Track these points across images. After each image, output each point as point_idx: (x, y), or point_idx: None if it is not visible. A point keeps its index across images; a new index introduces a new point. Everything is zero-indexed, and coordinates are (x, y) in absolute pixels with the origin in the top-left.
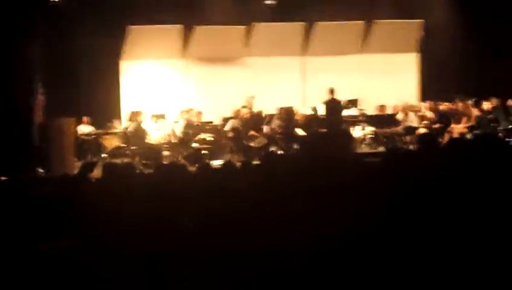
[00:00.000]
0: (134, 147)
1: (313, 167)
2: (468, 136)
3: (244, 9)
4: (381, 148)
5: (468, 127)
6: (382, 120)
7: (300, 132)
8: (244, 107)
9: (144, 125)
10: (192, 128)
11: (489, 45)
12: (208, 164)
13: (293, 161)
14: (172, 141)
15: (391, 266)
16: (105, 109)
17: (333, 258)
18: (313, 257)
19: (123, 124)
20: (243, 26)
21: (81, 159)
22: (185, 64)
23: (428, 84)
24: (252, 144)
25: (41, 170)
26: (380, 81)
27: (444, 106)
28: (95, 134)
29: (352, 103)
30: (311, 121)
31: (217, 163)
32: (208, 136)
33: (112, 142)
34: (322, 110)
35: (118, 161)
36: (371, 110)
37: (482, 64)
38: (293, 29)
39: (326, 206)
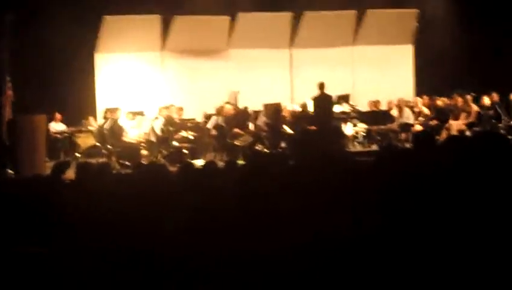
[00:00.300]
0: (110, 146)
1: (301, 166)
2: (468, 133)
3: None
4: (374, 147)
5: (467, 124)
6: (375, 116)
7: (288, 129)
8: (227, 103)
9: (120, 123)
10: (173, 126)
11: (489, 36)
12: (190, 164)
13: (280, 160)
14: (151, 139)
15: (382, 267)
16: (79, 105)
17: (321, 259)
18: (301, 258)
19: (98, 121)
20: (226, 17)
21: (53, 159)
22: (164, 57)
23: (425, 77)
24: (236, 143)
25: (10, 171)
26: (373, 74)
27: (441, 101)
28: (68, 132)
29: (344, 98)
30: (299, 118)
31: (199, 163)
32: (190, 134)
33: (86, 141)
34: (311, 107)
35: (93, 160)
36: (364, 106)
37: (481, 56)
38: (280, 19)
39: (315, 209)
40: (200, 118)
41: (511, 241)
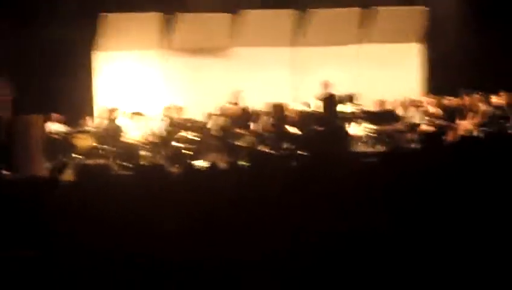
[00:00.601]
0: (109, 147)
1: (305, 167)
2: (476, 133)
3: None
4: (380, 147)
5: (475, 124)
6: (381, 116)
7: (291, 129)
8: (230, 102)
9: (119, 123)
10: (173, 126)
11: (499, 35)
12: (191, 165)
13: (284, 160)
14: (151, 140)
15: (386, 268)
16: (77, 105)
17: (326, 260)
18: (306, 259)
19: (97, 121)
20: (229, 14)
21: (50, 159)
22: (165, 55)
23: (432, 77)
24: (238, 143)
25: (6, 172)
26: (380, 73)
27: (449, 101)
28: (66, 132)
29: (349, 97)
30: (303, 118)
31: (200, 164)
32: (191, 135)
33: (84, 142)
34: (315, 106)
35: (91, 161)
36: (370, 106)
37: (490, 55)
38: (284, 17)
39: (319, 210)
40: (201, 118)
41: None
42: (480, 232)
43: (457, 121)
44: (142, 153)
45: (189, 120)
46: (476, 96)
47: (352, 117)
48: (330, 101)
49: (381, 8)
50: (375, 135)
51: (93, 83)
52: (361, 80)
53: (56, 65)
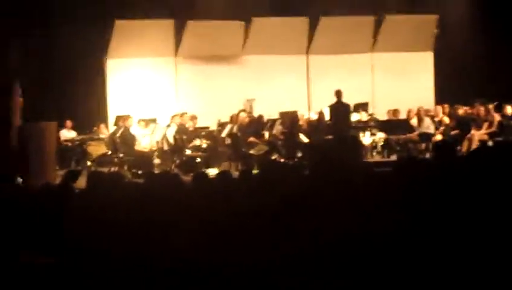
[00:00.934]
0: (122, 155)
1: (318, 177)
2: (490, 143)
3: (242, 2)
4: (393, 157)
5: (489, 134)
6: (395, 126)
7: (304, 138)
8: (242, 111)
9: (132, 131)
10: (186, 134)
11: (510, 42)
12: (204, 173)
13: (296, 170)
14: (164, 147)
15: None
16: (90, 113)
17: (338, 269)
18: (317, 270)
19: (110, 129)
20: (240, 21)
21: (64, 167)
22: (177, 62)
23: (446, 86)
24: (251, 152)
25: (20, 179)
26: (392, 82)
27: (462, 110)
28: (79, 140)
29: (362, 106)
30: (316, 127)
31: (213, 172)
32: (203, 143)
33: (97, 149)
34: (328, 115)
35: (104, 169)
36: (383, 115)
37: (503, 64)
38: (296, 24)
39: (332, 219)
40: (214, 126)
41: None
42: (492, 243)
43: (472, 131)
44: (155, 161)
45: (202, 128)
46: (490, 105)
47: (366, 126)
48: (343, 110)
49: (393, 17)
50: (388, 144)
51: (106, 90)
52: (374, 88)
53: (69, 72)
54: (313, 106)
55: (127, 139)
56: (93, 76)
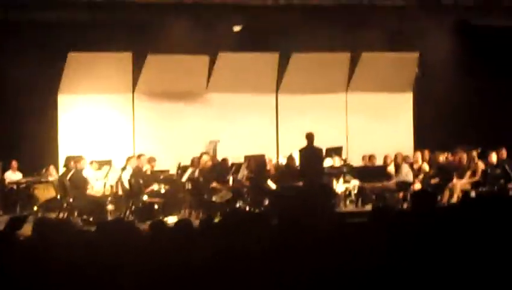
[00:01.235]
0: (72, 199)
1: (286, 227)
2: (473, 193)
3: (207, 35)
4: (368, 207)
5: (472, 183)
6: (370, 173)
7: (272, 185)
8: (205, 153)
9: (84, 173)
10: (143, 178)
11: (496, 85)
12: (162, 221)
13: (263, 219)
14: (119, 192)
15: None
16: (38, 153)
17: None
18: None
19: (60, 170)
20: (205, 56)
21: (7, 212)
22: (135, 99)
23: (426, 130)
24: (214, 199)
25: None
26: (368, 125)
27: (443, 157)
28: (25, 182)
29: (335, 151)
30: (285, 173)
31: (172, 220)
32: (162, 188)
33: (45, 193)
34: (298, 160)
35: (52, 215)
36: (357, 161)
37: (488, 107)
38: (266, 60)
39: (299, 278)
40: (174, 170)
41: None
42: None
43: (453, 180)
44: (109, 207)
45: (160, 172)
46: (474, 152)
47: (339, 173)
48: (315, 154)
49: (370, 54)
50: (362, 192)
51: (57, 128)
52: (349, 132)
53: (16, 107)
54: (282, 149)
55: (78, 183)
56: (42, 112)
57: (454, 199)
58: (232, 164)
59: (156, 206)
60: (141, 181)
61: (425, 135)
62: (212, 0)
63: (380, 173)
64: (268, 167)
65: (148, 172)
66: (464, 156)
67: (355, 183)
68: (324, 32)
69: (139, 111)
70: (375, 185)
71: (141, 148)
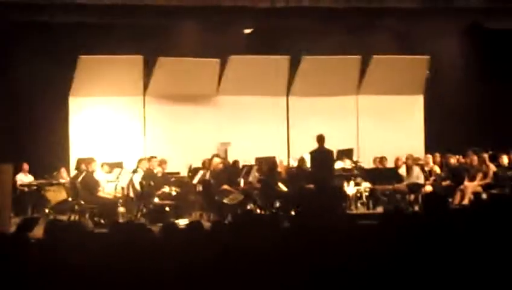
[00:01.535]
0: (83, 202)
1: (297, 229)
2: (484, 196)
3: (217, 38)
4: (379, 209)
5: (483, 186)
6: (381, 175)
7: (283, 187)
8: (216, 156)
9: (95, 175)
10: (154, 180)
11: (507, 88)
12: (173, 224)
13: (273, 221)
14: (130, 194)
15: None
16: (50, 155)
17: None
18: None
19: (71, 173)
20: (215, 59)
21: (19, 214)
22: (146, 102)
23: (437, 132)
24: (225, 201)
25: None
26: (379, 128)
27: (454, 160)
28: (36, 185)
29: (346, 153)
30: (296, 175)
31: (183, 222)
32: (173, 190)
33: (57, 195)
34: (309, 162)
35: (64, 217)
36: (368, 163)
37: (499, 109)
38: (277, 63)
39: (310, 277)
40: (185, 172)
41: None
42: None
43: (465, 183)
44: (120, 209)
45: (171, 174)
46: (485, 155)
47: (350, 175)
48: (325, 156)
49: (381, 57)
50: (373, 195)
51: (68, 131)
52: (360, 134)
53: (28, 111)
54: (293, 151)
55: (90, 185)
56: (54, 115)
57: (466, 201)
58: (243, 166)
59: (167, 209)
60: (152, 183)
61: (436, 137)
62: (223, 3)
63: (391, 175)
64: (279, 169)
65: (159, 174)
66: (475, 159)
67: (366, 185)
68: (335, 35)
69: (150, 114)
70: (386, 187)
71: (152, 151)
